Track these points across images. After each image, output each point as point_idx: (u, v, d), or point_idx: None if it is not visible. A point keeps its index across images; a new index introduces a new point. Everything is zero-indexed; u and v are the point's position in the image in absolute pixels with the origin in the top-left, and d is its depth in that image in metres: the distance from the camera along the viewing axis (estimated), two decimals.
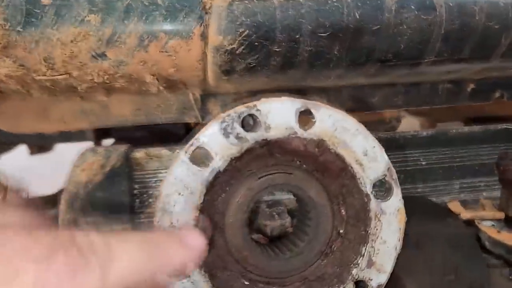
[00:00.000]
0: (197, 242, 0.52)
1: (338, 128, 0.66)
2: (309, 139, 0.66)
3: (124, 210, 1.03)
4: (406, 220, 0.94)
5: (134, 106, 0.99)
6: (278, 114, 0.64)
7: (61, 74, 0.74)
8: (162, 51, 0.75)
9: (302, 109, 0.65)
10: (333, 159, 0.67)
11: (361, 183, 0.68)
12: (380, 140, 1.14)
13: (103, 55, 0.74)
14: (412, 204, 0.99)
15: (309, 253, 0.72)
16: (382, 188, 0.70)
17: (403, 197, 1.10)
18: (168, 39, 0.74)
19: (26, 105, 0.95)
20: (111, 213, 1.04)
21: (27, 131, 0.98)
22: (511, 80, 1.14)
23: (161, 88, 0.83)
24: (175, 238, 0.51)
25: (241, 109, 0.63)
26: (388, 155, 1.15)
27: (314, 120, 0.66)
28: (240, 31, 0.75)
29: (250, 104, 0.64)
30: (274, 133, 0.64)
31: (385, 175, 0.68)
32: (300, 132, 0.65)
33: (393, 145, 1.14)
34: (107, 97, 0.93)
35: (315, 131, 0.66)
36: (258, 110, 0.64)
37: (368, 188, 0.68)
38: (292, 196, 0.81)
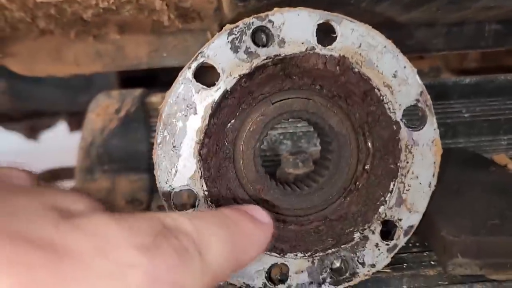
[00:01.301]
0: (267, 219, 0.48)
1: (363, 45, 0.58)
2: (329, 56, 0.58)
3: (141, 158, 0.99)
4: (445, 168, 0.84)
5: (150, 48, 0.94)
6: (294, 27, 0.57)
7: None
8: None
9: (321, 22, 0.57)
10: (357, 80, 0.59)
11: (390, 109, 0.59)
12: None
13: None
14: (451, 154, 0.89)
15: (330, 189, 0.64)
16: (414, 115, 0.61)
17: (445, 149, 1.01)
18: None
19: (39, 46, 0.92)
20: (128, 161, 1.00)
21: (42, 73, 0.94)
22: None
23: (172, 17, 0.77)
24: (248, 217, 0.47)
25: (251, 19, 0.56)
26: None
27: (335, 34, 0.58)
28: None
29: (262, 14, 0.56)
30: (289, 49, 0.57)
31: (418, 101, 0.60)
32: (319, 48, 0.57)
33: (431, 93, 1.04)
34: (120, 35, 0.88)
35: (336, 47, 0.58)
36: (270, 21, 0.56)
37: (398, 115, 0.60)
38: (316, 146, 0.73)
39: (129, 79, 1.34)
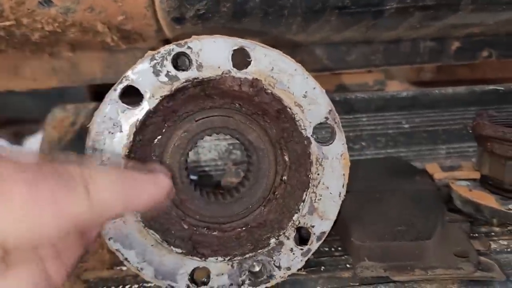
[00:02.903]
0: (165, 181, 0.55)
1: (275, 68, 0.64)
2: (243, 79, 0.64)
3: None
4: (375, 178, 0.91)
5: (103, 64, 1.00)
6: (211, 53, 0.63)
7: (10, 21, 0.75)
8: None
9: (236, 48, 0.63)
10: (270, 100, 0.65)
11: (301, 126, 0.65)
12: (357, 100, 1.11)
13: (49, 2, 0.74)
14: (384, 164, 0.96)
15: (250, 199, 0.70)
16: (324, 132, 0.68)
17: (380, 158, 1.07)
18: None
19: None
20: None
21: (0, 88, 1.00)
22: (500, 37, 1.08)
23: (115, 38, 0.83)
24: (147, 175, 0.53)
25: (171, 46, 0.62)
26: (367, 117, 1.12)
27: (249, 59, 0.64)
28: None
29: (181, 41, 0.62)
30: (206, 72, 0.63)
31: (327, 118, 0.66)
32: (234, 72, 0.63)
33: (371, 106, 1.11)
34: (72, 52, 0.94)
35: (250, 71, 0.64)
36: (189, 47, 0.62)
37: (308, 132, 0.66)
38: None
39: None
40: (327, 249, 0.78)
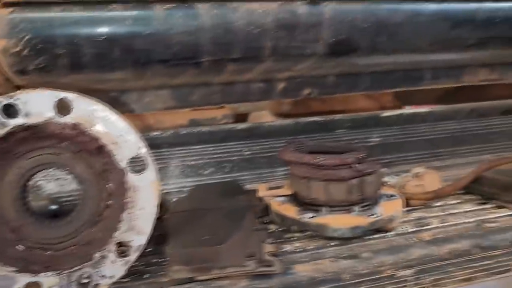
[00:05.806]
0: None
1: (94, 114, 0.80)
2: (65, 124, 0.79)
3: None
4: (206, 199, 1.09)
5: None
6: (37, 103, 0.77)
7: None
8: None
9: (59, 98, 0.78)
10: (90, 139, 0.81)
11: (118, 159, 0.81)
12: (203, 133, 1.30)
13: None
14: (220, 187, 1.14)
15: (79, 221, 0.84)
16: (138, 164, 0.84)
17: (221, 182, 1.26)
18: None
19: None
20: None
21: None
22: (318, 79, 1.32)
23: None
24: None
25: (1, 98, 0.76)
26: (211, 147, 1.31)
27: (71, 108, 0.79)
28: (22, 35, 0.88)
29: (11, 94, 0.77)
30: (33, 119, 0.77)
31: (139, 153, 0.82)
32: (58, 118, 0.78)
33: (216, 138, 1.30)
34: None
35: (71, 117, 0.79)
36: (18, 99, 0.77)
37: (124, 164, 0.82)
38: None
39: None
40: (155, 260, 0.94)
